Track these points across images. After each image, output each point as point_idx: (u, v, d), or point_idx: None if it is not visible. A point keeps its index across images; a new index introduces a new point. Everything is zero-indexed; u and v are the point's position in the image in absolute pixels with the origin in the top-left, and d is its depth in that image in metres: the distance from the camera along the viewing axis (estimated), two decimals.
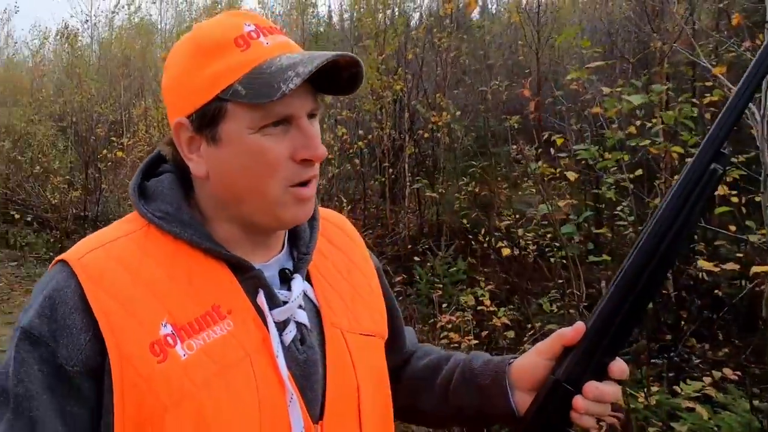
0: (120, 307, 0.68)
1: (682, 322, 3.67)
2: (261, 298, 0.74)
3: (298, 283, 0.78)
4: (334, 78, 0.74)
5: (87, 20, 10.85)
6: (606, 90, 3.41)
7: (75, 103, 9.18)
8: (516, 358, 0.84)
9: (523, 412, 0.81)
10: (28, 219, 8.52)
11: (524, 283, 4.26)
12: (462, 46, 5.25)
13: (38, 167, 8.89)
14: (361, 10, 5.94)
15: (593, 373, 0.74)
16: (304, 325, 0.77)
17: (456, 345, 4.10)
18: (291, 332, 0.75)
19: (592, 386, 0.74)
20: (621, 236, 3.97)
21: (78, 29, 10.49)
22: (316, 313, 0.79)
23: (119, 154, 7.40)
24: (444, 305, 4.37)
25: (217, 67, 0.71)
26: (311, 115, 0.75)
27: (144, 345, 0.67)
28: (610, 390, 0.74)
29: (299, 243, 0.83)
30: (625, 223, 3.79)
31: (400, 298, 4.63)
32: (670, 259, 0.70)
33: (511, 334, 4.00)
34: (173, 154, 0.78)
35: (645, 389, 2.74)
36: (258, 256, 0.78)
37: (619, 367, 0.75)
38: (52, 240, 8.25)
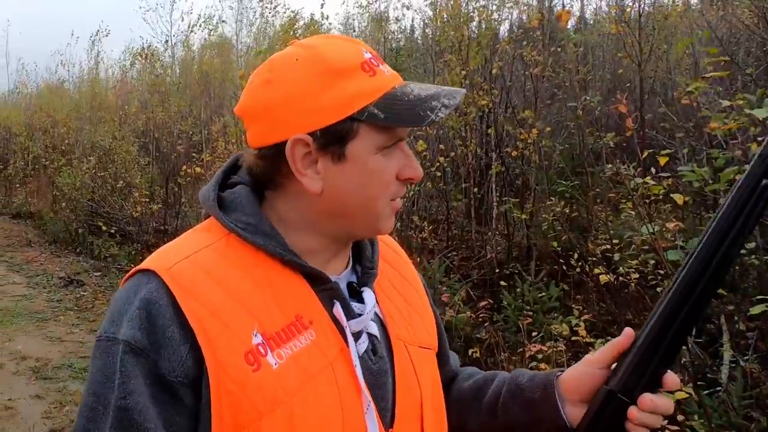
0: (213, 317, 0.70)
1: None
2: (338, 309, 0.77)
3: (370, 296, 0.82)
4: None
5: (167, 40, 11.31)
6: (726, 103, 3.09)
7: (157, 120, 9.54)
8: (563, 371, 0.86)
9: (576, 424, 0.81)
10: (112, 231, 8.85)
11: (625, 314, 3.92)
12: (555, 59, 4.99)
13: (121, 182, 9.27)
14: (442, 22, 5.79)
15: (647, 384, 0.75)
16: (375, 336, 0.81)
17: None
18: (364, 343, 0.80)
19: (647, 398, 0.75)
20: (743, 266, 3.56)
21: (158, 49, 10.94)
22: (381, 326, 0.84)
23: (198, 170, 7.56)
24: (534, 334, 4.10)
25: (349, 89, 0.74)
26: None
27: (239, 354, 0.70)
28: (664, 402, 0.76)
29: (363, 258, 0.86)
30: (744, 251, 3.41)
31: (486, 324, 4.39)
32: (722, 272, 0.72)
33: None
34: (258, 165, 0.80)
35: None
36: (331, 268, 0.81)
37: (672, 379, 0.76)
38: (133, 252, 8.53)
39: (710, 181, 3.09)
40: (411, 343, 0.85)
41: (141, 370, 0.69)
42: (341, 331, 0.77)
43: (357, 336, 0.79)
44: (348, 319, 0.78)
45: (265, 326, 0.72)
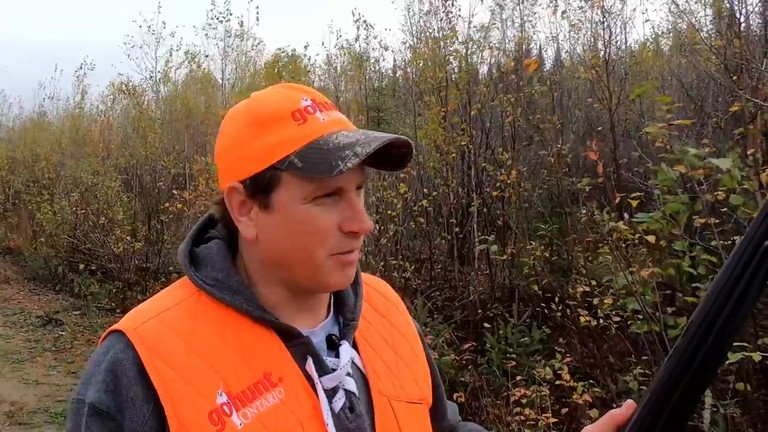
0: (177, 376, 0.70)
1: None
2: (310, 366, 0.75)
3: (346, 350, 0.79)
4: (385, 154, 0.75)
5: (151, 76, 11.32)
6: (693, 150, 3.17)
7: (140, 156, 9.49)
8: None
9: None
10: (92, 268, 8.71)
11: (607, 357, 3.92)
12: (531, 102, 5.08)
13: (103, 218, 9.16)
14: (423, 64, 5.89)
15: None
16: (353, 393, 0.78)
17: (532, 423, 3.77)
18: (340, 400, 0.76)
19: None
20: None
21: (141, 86, 10.94)
22: (362, 380, 0.81)
23: (180, 206, 7.51)
24: (518, 377, 4.07)
25: (274, 138, 0.74)
26: (358, 187, 0.77)
27: (203, 414, 0.69)
28: None
29: (345, 309, 0.84)
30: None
31: (470, 367, 4.36)
32: (724, 341, 0.66)
33: (594, 413, 3.64)
34: (223, 214, 0.81)
35: None
36: (303, 319, 0.79)
37: None
38: (114, 290, 8.38)
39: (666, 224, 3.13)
40: (397, 398, 0.82)
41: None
42: (314, 388, 0.75)
43: (332, 393, 0.76)
44: (321, 375, 0.75)
45: (231, 385, 0.71)
